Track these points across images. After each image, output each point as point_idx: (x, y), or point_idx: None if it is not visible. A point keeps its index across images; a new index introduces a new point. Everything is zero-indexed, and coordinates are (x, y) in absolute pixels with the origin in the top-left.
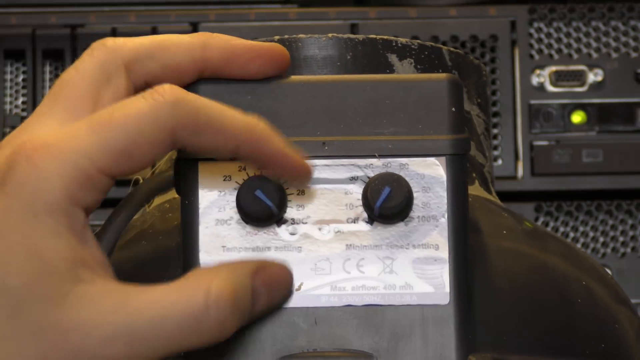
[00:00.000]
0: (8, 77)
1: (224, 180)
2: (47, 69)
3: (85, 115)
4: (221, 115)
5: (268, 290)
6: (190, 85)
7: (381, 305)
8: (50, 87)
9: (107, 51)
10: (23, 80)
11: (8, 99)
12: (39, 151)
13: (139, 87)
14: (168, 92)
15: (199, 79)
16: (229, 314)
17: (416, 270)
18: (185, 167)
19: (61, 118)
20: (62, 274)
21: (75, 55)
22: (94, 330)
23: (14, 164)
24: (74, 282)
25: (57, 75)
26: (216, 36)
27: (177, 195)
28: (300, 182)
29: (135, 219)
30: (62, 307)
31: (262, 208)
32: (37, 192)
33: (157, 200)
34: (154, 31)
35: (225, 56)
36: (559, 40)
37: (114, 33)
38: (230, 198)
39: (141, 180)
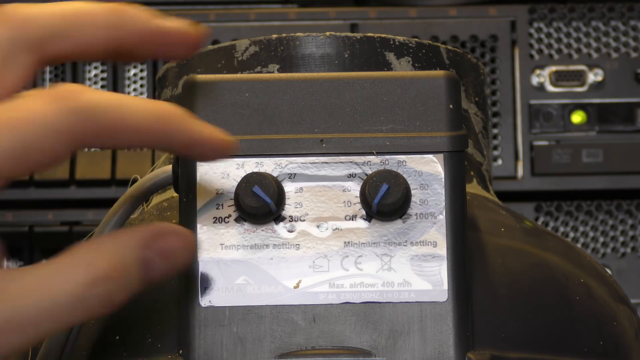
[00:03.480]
0: None
1: (222, 178)
2: (47, 68)
3: None
4: (123, 115)
5: (163, 259)
6: (187, 83)
7: (379, 303)
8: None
9: (14, 27)
10: None
11: None
12: None
13: (46, 64)
14: (71, 95)
15: (195, 75)
16: (114, 289)
17: (414, 268)
18: (183, 165)
19: None
20: None
21: None
22: None
23: None
24: None
25: (57, 75)
26: (133, 15)
27: (175, 194)
28: (221, 157)
29: (133, 217)
30: None
31: (259, 204)
32: None
33: (156, 199)
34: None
35: (139, 39)
36: (559, 40)
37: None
38: (229, 196)
39: (139, 179)
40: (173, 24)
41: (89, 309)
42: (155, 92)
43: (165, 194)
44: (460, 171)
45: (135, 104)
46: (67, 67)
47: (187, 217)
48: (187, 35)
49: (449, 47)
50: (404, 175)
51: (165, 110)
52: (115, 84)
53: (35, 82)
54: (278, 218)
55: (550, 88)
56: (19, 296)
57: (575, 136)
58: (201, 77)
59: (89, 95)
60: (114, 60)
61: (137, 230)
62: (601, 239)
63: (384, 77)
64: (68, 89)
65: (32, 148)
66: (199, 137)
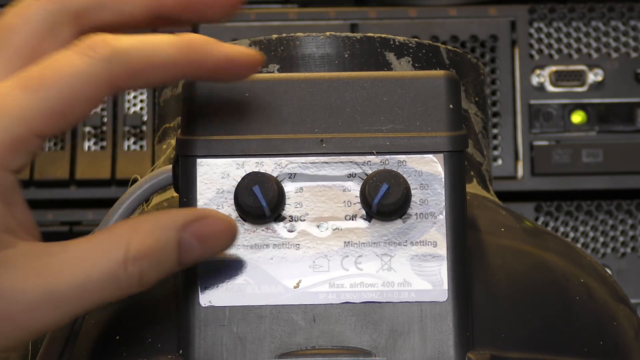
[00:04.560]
0: None
1: (222, 178)
2: None
3: (22, 66)
4: (150, 54)
5: (200, 242)
6: (188, 83)
7: (379, 302)
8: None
9: (54, 2)
10: None
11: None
12: None
13: (86, 34)
14: (100, 45)
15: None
16: (147, 269)
17: (414, 267)
18: (183, 165)
19: (3, 71)
20: None
21: None
22: (19, 295)
23: None
24: None
25: None
26: None
27: (175, 194)
28: (251, 73)
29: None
30: None
31: (255, 204)
32: None
33: (156, 199)
34: (154, 32)
35: (181, 3)
36: (559, 40)
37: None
38: (229, 196)
39: (139, 179)
40: None
41: (122, 287)
42: (155, 92)
43: (165, 194)
44: (460, 171)
45: (159, 41)
46: None
47: None
48: None
49: (449, 47)
50: (404, 175)
51: (188, 40)
52: None
53: None
54: (278, 218)
55: (550, 88)
56: (54, 272)
57: (575, 136)
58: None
59: (116, 41)
60: (154, 27)
61: (176, 212)
62: (601, 239)
63: (384, 77)
64: (95, 40)
65: (70, 101)
66: (225, 59)
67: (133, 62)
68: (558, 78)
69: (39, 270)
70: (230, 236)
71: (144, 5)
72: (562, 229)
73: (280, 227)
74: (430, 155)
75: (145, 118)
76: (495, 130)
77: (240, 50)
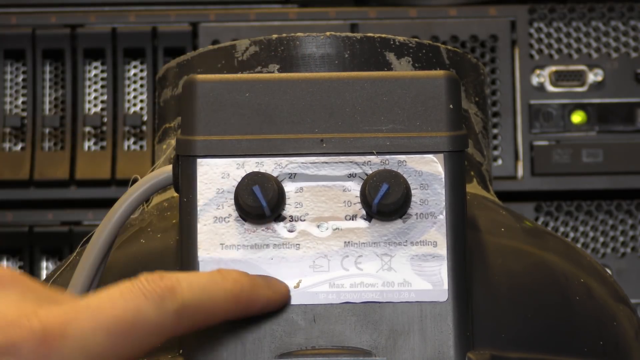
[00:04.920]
0: (8, 77)
1: (222, 178)
2: (47, 68)
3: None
4: (211, 306)
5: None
6: (188, 83)
7: (379, 302)
8: (50, 87)
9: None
10: (23, 80)
11: (8, 99)
12: (48, 339)
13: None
14: (164, 295)
15: (196, 75)
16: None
17: (414, 267)
18: (183, 165)
19: None
20: None
21: (75, 55)
22: None
23: (20, 347)
24: None
25: (57, 75)
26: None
27: (175, 194)
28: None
29: (133, 217)
30: None
31: (256, 204)
32: None
33: (156, 199)
34: (154, 31)
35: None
36: (559, 40)
37: (114, 33)
38: (229, 196)
39: (139, 179)
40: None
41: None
42: (155, 92)
43: (165, 194)
44: (460, 171)
45: (216, 292)
46: (67, 67)
47: (187, 217)
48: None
49: (449, 47)
50: (404, 175)
51: (240, 288)
52: (115, 84)
53: (35, 82)
54: (278, 218)
55: (550, 88)
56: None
57: (575, 136)
58: (201, 77)
59: (184, 293)
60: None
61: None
62: (601, 239)
63: (384, 77)
64: (165, 287)
65: (138, 344)
66: (267, 302)
67: (196, 316)
68: (558, 78)
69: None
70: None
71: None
72: (562, 229)
73: (280, 227)
74: (431, 155)
75: (145, 118)
76: (495, 130)
77: (277, 290)
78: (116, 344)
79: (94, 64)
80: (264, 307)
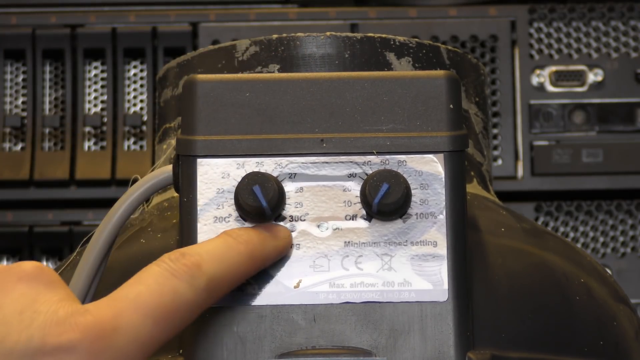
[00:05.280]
0: (8, 77)
1: (222, 178)
2: (47, 68)
3: None
4: (235, 272)
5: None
6: (188, 83)
7: (380, 302)
8: (50, 87)
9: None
10: (23, 80)
11: (8, 99)
12: (100, 334)
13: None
14: (192, 272)
15: (196, 75)
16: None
17: (414, 267)
18: (184, 165)
19: None
20: None
21: (75, 55)
22: None
23: (75, 344)
24: None
25: (57, 75)
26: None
27: (175, 194)
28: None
29: (134, 217)
30: None
31: (256, 204)
32: None
33: (156, 199)
34: (154, 31)
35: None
36: (559, 40)
37: (114, 33)
38: (229, 195)
39: (139, 179)
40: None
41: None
42: (155, 92)
43: (165, 194)
44: (460, 171)
45: (236, 257)
46: (67, 67)
47: (187, 217)
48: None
49: (449, 47)
50: (404, 175)
51: (252, 248)
52: (115, 84)
53: (35, 82)
54: (278, 218)
55: (550, 88)
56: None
57: (575, 136)
58: (201, 77)
59: (209, 266)
60: None
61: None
62: (601, 239)
63: (384, 77)
64: (192, 264)
65: (178, 325)
66: (276, 253)
67: (223, 286)
68: (558, 78)
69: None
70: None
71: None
72: (562, 229)
73: None
74: (431, 155)
75: (145, 118)
76: (495, 130)
77: (282, 236)
78: (162, 329)
79: (94, 64)
80: (274, 257)
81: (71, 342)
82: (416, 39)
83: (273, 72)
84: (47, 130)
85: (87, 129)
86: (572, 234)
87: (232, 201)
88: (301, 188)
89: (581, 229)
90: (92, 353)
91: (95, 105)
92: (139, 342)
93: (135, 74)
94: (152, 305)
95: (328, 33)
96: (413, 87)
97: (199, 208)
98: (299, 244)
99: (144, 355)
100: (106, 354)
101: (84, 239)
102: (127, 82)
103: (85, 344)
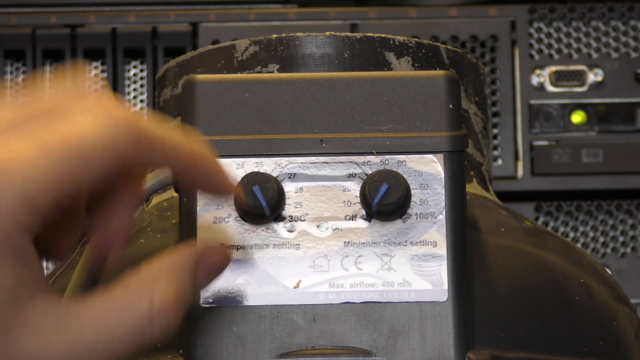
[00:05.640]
0: (8, 77)
1: None
2: (47, 68)
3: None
4: (165, 141)
5: (207, 275)
6: (187, 83)
7: (379, 302)
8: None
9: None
10: (23, 80)
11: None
12: None
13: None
14: (117, 114)
15: (195, 75)
16: (172, 319)
17: (414, 267)
18: None
19: None
20: (6, 306)
21: (75, 55)
22: (39, 356)
23: None
24: (17, 311)
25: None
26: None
27: (175, 194)
28: (225, 198)
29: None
30: (6, 336)
31: (255, 204)
32: None
33: (156, 199)
34: (154, 31)
35: (193, 177)
36: (559, 40)
37: (114, 33)
38: (229, 196)
39: None
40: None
41: (147, 339)
42: (155, 92)
43: (165, 194)
44: (460, 171)
45: (172, 134)
46: (67, 67)
47: (187, 217)
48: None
49: (449, 47)
50: (404, 175)
51: (194, 143)
52: (115, 84)
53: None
54: (278, 218)
55: (550, 88)
56: (76, 331)
57: (575, 136)
58: (201, 77)
59: (135, 116)
60: None
61: (185, 254)
62: (601, 239)
63: (384, 77)
64: (114, 109)
65: (88, 169)
66: (218, 178)
67: (144, 140)
68: (558, 78)
69: (59, 329)
70: (226, 263)
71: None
72: (562, 229)
73: (280, 227)
74: (430, 155)
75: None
76: (495, 130)
77: (224, 174)
78: (63, 169)
79: (94, 64)
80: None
81: None
82: (416, 39)
83: (272, 72)
84: None
85: None
86: (572, 234)
87: (232, 201)
88: (301, 188)
89: (581, 229)
90: None
91: None
92: (36, 179)
93: (135, 74)
94: (51, 141)
95: (327, 33)
96: (412, 87)
97: (198, 208)
98: (298, 244)
99: (44, 197)
100: (2, 192)
101: (84, 239)
102: (127, 82)
103: None
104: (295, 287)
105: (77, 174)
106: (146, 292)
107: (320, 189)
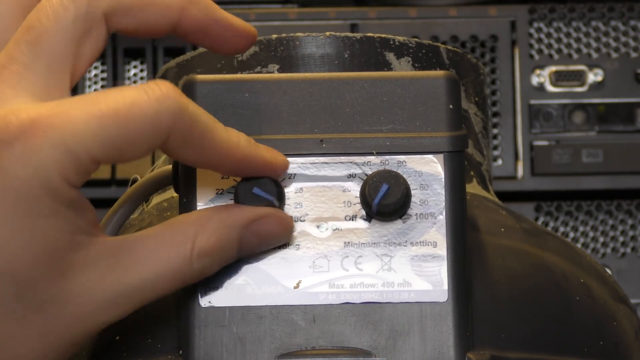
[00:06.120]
0: None
1: (222, 178)
2: None
3: (65, 73)
4: (213, 133)
5: (259, 239)
6: (187, 83)
7: (379, 303)
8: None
9: (89, 2)
10: None
11: None
12: (36, 130)
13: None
14: (172, 95)
15: (195, 75)
16: (209, 264)
17: (414, 268)
18: (183, 165)
19: (46, 79)
20: (63, 249)
21: None
22: (92, 296)
23: (10, 140)
24: (73, 253)
25: None
26: (198, 3)
27: (175, 194)
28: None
29: (133, 217)
30: (63, 279)
31: (262, 204)
32: (35, 174)
33: (156, 199)
34: None
35: (200, 28)
36: (559, 40)
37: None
38: (228, 196)
39: (139, 179)
40: (234, 19)
41: (186, 280)
42: None
43: (165, 194)
44: (460, 171)
45: (221, 129)
46: None
47: None
48: (244, 32)
49: (449, 47)
50: (404, 176)
51: (240, 140)
52: (115, 84)
53: None
54: None
55: (550, 88)
56: (126, 269)
57: (575, 136)
58: (201, 77)
59: (190, 102)
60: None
61: (241, 211)
62: (601, 239)
63: (384, 77)
64: (172, 90)
65: (134, 140)
66: (265, 164)
67: (192, 127)
68: (558, 78)
69: (113, 267)
70: (287, 234)
71: (166, 21)
72: (562, 229)
73: None
74: (430, 156)
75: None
76: (495, 130)
77: (273, 157)
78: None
79: (94, 64)
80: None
81: (7, 138)
82: (416, 39)
83: (272, 72)
84: None
85: None
86: (572, 234)
87: (232, 202)
88: (301, 188)
89: (581, 229)
90: (21, 146)
91: None
92: (84, 139)
93: (135, 74)
94: (103, 106)
95: (327, 33)
96: (412, 88)
97: (198, 208)
98: (298, 245)
99: (91, 159)
100: (42, 151)
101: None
102: (127, 82)
103: (12, 138)
104: (295, 288)
105: (122, 146)
106: (190, 234)
107: (320, 189)
